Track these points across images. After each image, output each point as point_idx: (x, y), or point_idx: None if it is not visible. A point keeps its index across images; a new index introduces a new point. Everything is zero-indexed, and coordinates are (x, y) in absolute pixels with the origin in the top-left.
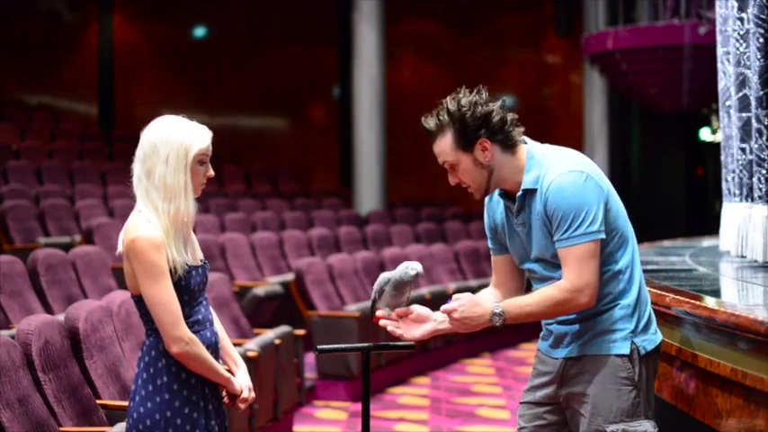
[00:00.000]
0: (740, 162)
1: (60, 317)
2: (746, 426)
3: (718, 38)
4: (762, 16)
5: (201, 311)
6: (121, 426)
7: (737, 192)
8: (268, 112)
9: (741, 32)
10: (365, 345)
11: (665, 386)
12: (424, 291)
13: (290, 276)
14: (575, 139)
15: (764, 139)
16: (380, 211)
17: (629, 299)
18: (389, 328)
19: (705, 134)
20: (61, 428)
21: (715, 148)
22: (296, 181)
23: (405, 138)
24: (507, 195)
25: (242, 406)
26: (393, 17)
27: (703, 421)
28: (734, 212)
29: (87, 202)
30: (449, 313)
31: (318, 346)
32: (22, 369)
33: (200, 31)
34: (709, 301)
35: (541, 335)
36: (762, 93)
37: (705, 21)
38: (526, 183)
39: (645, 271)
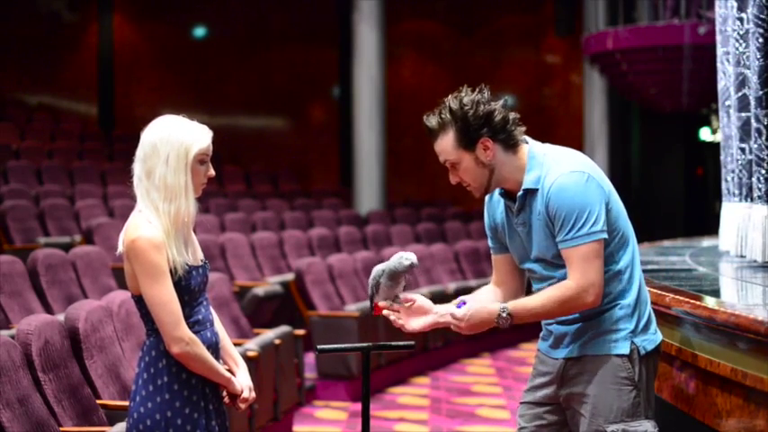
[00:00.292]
0: (740, 162)
1: (60, 317)
2: (746, 426)
3: (718, 38)
4: (761, 16)
5: (202, 311)
6: (121, 426)
7: (737, 192)
8: (268, 112)
9: (741, 32)
10: (365, 345)
11: (665, 386)
12: (424, 291)
13: (290, 276)
14: (575, 139)
15: (764, 138)
16: (380, 211)
17: (629, 299)
18: (392, 318)
19: (705, 134)
20: (61, 428)
21: (715, 148)
22: (296, 181)
23: (405, 138)
24: (508, 195)
25: (242, 406)
26: (393, 17)
27: (703, 421)
28: (733, 212)
29: (87, 202)
30: (456, 320)
31: (318, 346)
32: (22, 369)
33: (200, 31)
34: (709, 301)
35: (541, 335)
36: (761, 92)
37: (705, 21)
38: (527, 182)
39: (645, 271)
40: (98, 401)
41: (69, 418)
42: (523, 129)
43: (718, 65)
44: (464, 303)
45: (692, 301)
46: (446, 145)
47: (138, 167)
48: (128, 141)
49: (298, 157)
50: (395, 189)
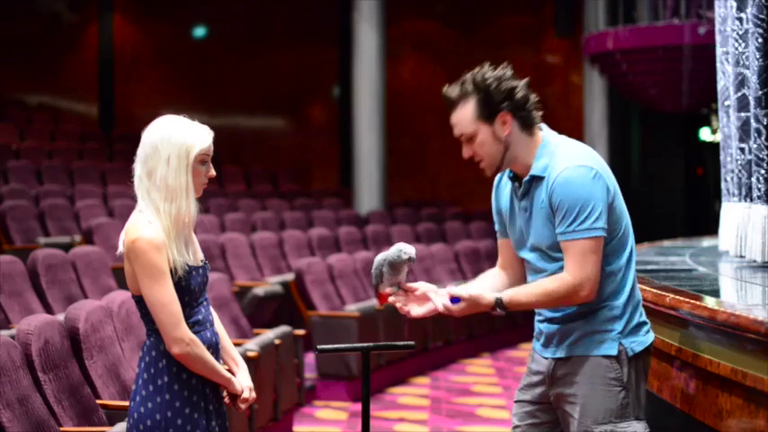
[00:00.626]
0: (739, 162)
1: (60, 317)
2: (746, 426)
3: (718, 38)
4: (761, 16)
5: (202, 312)
6: (121, 426)
7: (736, 191)
8: (268, 112)
9: (740, 32)
10: (365, 345)
11: (665, 386)
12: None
13: (290, 276)
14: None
15: (763, 138)
16: (380, 211)
17: (620, 300)
18: (398, 305)
19: (705, 134)
20: (61, 428)
21: (715, 148)
22: (296, 181)
23: (405, 138)
24: (516, 178)
25: (243, 406)
26: (393, 17)
27: (703, 421)
28: (733, 212)
29: (87, 202)
30: (450, 311)
31: (318, 346)
32: (22, 369)
33: (200, 31)
34: (709, 301)
35: (534, 334)
36: (760, 92)
37: (705, 21)
38: (535, 169)
39: (645, 271)
40: (98, 401)
41: (69, 418)
42: (541, 113)
43: (718, 65)
44: (458, 300)
45: (692, 301)
46: (465, 115)
47: (138, 168)
48: (128, 141)
49: (298, 157)
50: (395, 189)
